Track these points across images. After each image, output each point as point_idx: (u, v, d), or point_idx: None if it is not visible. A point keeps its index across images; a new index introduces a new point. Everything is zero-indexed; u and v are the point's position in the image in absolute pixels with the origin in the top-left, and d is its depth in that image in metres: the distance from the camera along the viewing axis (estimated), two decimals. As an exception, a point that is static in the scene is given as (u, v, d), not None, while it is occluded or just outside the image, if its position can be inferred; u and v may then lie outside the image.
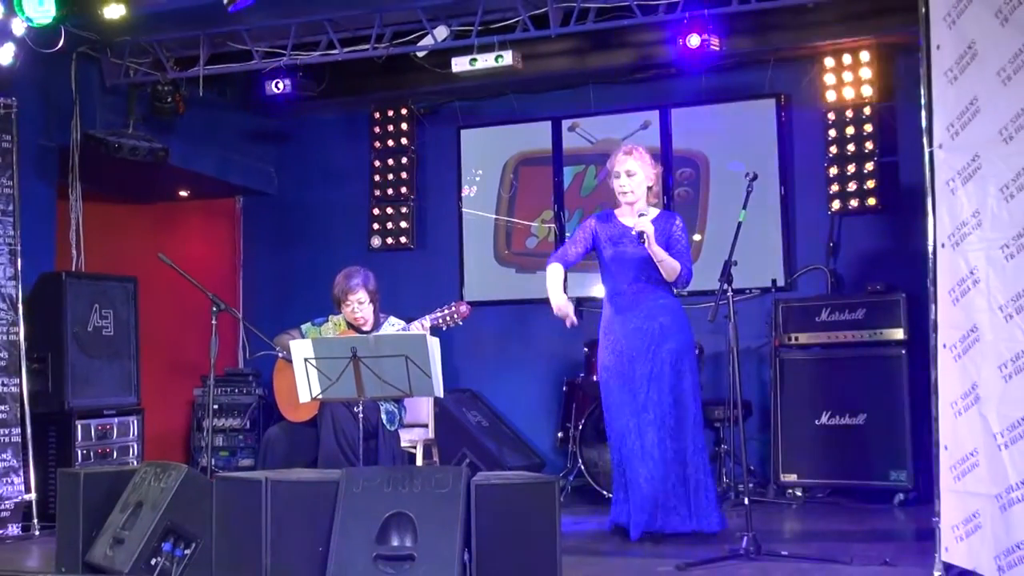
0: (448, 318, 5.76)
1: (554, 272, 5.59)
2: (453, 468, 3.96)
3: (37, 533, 5.96)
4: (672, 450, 5.32)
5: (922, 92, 4.34)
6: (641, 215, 5.35)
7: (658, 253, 5.31)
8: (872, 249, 7.46)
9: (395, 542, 3.84)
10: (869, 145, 7.38)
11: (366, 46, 6.96)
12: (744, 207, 5.14)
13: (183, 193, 9.11)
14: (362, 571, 3.81)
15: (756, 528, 4.84)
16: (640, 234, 5.23)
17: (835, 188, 7.47)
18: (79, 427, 6.48)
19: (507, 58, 6.67)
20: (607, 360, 5.52)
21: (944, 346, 4.21)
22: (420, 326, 5.72)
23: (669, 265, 5.35)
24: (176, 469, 4.35)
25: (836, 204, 7.47)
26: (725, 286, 5.00)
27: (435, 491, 3.89)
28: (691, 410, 5.40)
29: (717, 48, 6.46)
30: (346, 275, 5.89)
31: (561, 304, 5.45)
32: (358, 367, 4.85)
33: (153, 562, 4.19)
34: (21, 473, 6.08)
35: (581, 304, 7.64)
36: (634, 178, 5.47)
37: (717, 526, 5.37)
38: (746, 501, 4.89)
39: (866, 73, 7.37)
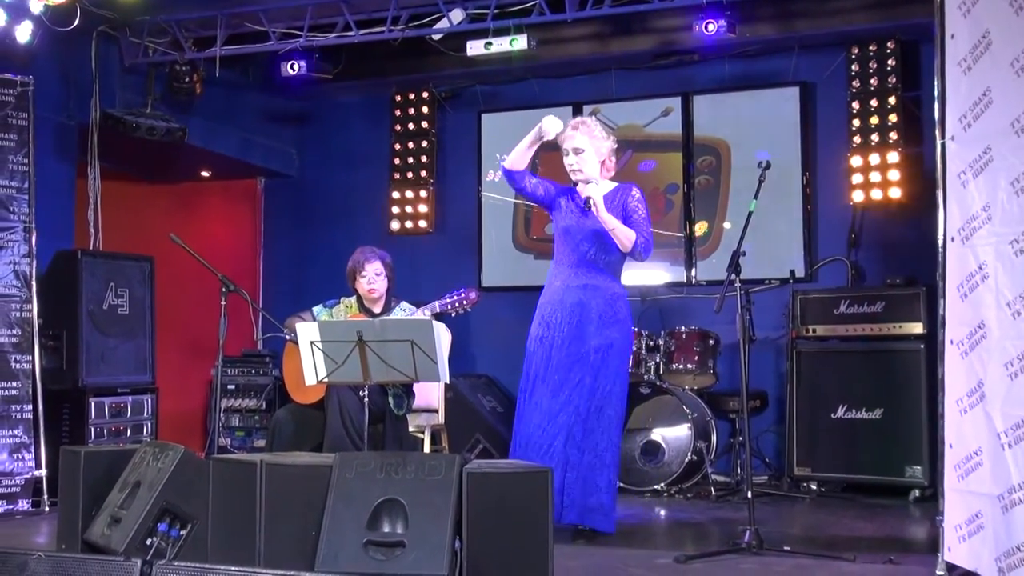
0: (457, 304, 5.72)
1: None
2: (447, 455, 3.91)
3: (47, 509, 5.99)
4: (580, 439, 5.00)
5: (936, 83, 4.25)
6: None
7: (608, 221, 5.02)
8: (894, 241, 7.32)
9: (386, 528, 3.80)
10: (893, 136, 7.24)
11: (382, 28, 6.94)
12: (755, 197, 5.07)
13: (205, 173, 9.14)
14: (352, 556, 3.77)
15: (766, 522, 4.77)
16: (587, 199, 5.01)
17: (858, 179, 7.34)
18: (92, 404, 6.54)
19: (521, 42, 6.63)
20: (537, 330, 5.22)
21: (951, 342, 4.12)
22: (428, 312, 5.70)
23: (622, 232, 5.04)
24: (173, 450, 4.32)
25: (859, 195, 7.35)
26: (732, 276, 4.92)
27: (428, 478, 3.84)
28: (609, 405, 5.07)
29: (735, 35, 6.36)
30: (361, 250, 5.94)
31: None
32: (364, 351, 4.82)
33: (148, 542, 4.16)
34: (32, 449, 6.12)
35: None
36: (582, 155, 5.23)
37: (612, 527, 5.09)
38: (749, 494, 4.83)
39: (891, 62, 7.23)
